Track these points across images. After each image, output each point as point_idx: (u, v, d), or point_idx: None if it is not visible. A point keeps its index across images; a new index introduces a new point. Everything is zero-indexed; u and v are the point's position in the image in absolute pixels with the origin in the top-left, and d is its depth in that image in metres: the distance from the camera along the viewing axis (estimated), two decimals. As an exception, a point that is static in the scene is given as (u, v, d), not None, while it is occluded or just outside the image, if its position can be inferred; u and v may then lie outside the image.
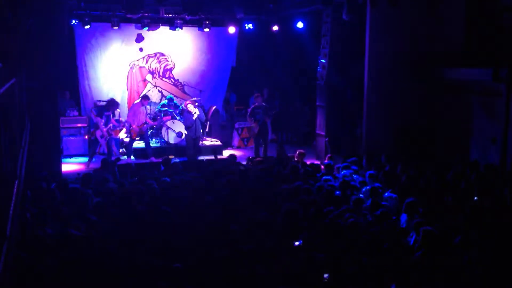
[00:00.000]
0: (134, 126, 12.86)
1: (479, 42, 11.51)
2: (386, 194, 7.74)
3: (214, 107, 15.11)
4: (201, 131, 13.33)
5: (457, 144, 11.49)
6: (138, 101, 13.54)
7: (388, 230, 6.30)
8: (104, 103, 13.49)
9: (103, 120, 12.49)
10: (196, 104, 13.41)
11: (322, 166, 10.10)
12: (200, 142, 13.65)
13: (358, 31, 12.00)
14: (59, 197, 7.42)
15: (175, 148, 13.52)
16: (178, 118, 13.83)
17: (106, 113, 12.60)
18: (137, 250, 5.50)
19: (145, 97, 13.52)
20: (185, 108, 13.10)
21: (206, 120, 14.56)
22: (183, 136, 13.40)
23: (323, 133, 13.16)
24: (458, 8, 11.84)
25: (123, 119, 13.56)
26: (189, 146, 12.93)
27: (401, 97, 11.65)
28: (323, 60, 13.05)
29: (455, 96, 11.66)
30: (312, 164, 10.24)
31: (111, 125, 12.55)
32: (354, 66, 12.72)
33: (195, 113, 12.72)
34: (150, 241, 5.78)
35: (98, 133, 12.51)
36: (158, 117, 13.87)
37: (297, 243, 5.91)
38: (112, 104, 12.84)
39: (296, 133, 16.09)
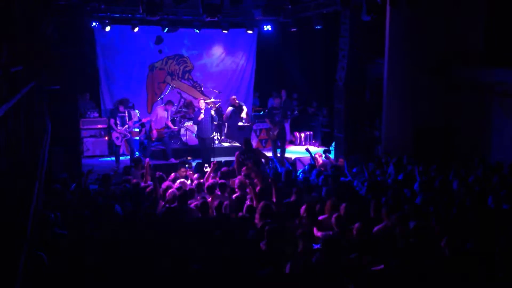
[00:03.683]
0: (154, 130, 12.88)
1: (500, 42, 11.33)
2: None
3: (231, 108, 15.10)
4: (213, 132, 12.91)
5: (477, 145, 11.32)
6: (162, 105, 13.41)
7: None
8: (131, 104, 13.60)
9: (117, 121, 12.51)
10: (217, 106, 13.37)
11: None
12: (217, 143, 13.66)
13: (377, 32, 11.90)
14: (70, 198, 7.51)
15: (193, 150, 13.57)
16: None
17: (120, 114, 12.59)
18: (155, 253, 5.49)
19: (170, 103, 13.48)
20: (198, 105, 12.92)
21: (223, 122, 14.57)
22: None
23: (341, 135, 13.07)
24: (479, 7, 11.67)
25: (141, 120, 13.61)
26: (201, 147, 12.61)
27: (421, 98, 11.52)
28: (341, 61, 12.96)
29: (476, 97, 11.49)
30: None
31: (126, 126, 12.56)
32: (372, 67, 12.61)
33: (203, 110, 12.35)
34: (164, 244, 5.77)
35: (113, 135, 12.60)
36: (178, 122, 13.94)
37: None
38: (122, 103, 12.77)
39: (314, 135, 16.03)
